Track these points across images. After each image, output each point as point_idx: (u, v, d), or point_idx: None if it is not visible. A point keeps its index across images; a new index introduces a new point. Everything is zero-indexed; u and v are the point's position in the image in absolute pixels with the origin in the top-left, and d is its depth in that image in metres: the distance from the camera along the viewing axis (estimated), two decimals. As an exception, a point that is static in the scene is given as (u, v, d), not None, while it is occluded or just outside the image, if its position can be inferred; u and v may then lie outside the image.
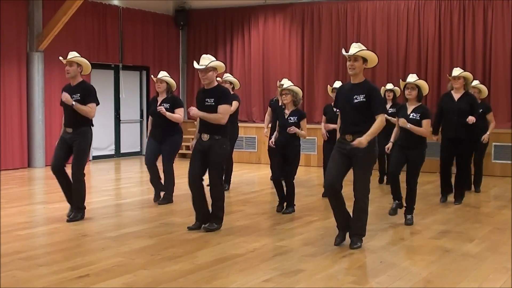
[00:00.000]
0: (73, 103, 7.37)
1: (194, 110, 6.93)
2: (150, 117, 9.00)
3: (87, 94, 7.49)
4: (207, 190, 7.10)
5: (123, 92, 15.26)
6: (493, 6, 12.95)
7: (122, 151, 15.46)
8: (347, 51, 6.22)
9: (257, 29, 15.57)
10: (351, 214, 6.44)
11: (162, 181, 8.90)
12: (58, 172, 7.59)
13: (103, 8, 14.54)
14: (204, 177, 7.09)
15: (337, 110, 8.81)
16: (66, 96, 7.41)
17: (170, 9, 16.35)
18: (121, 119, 15.38)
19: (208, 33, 16.20)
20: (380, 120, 6.13)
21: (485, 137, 9.70)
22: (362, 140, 6.02)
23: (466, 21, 13.24)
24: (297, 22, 15.02)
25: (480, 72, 13.07)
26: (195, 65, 7.00)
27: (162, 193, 8.90)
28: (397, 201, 7.70)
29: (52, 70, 13.16)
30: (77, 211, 7.63)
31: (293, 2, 15.04)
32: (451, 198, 9.13)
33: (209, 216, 7.11)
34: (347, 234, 6.43)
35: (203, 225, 7.06)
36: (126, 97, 15.39)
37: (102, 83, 14.63)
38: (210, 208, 7.14)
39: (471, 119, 8.59)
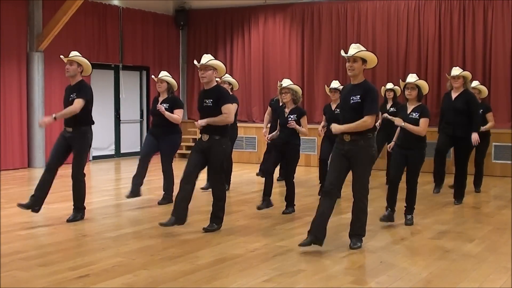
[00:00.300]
0: (54, 116, 7.36)
1: (198, 122, 6.92)
2: (151, 117, 9.06)
3: (79, 90, 7.46)
4: (198, 192, 7.07)
5: (123, 92, 15.26)
6: (493, 6, 12.95)
7: (122, 151, 15.46)
8: (346, 52, 6.22)
9: (257, 29, 15.57)
10: (348, 215, 6.44)
11: (160, 181, 8.91)
12: (50, 170, 7.52)
13: (103, 8, 14.55)
14: (198, 178, 7.04)
15: (335, 110, 8.92)
16: (45, 121, 7.50)
17: (170, 9, 16.35)
18: (121, 119, 15.38)
19: (208, 33, 16.20)
20: (363, 120, 6.10)
21: (482, 128, 9.64)
22: (337, 126, 6.22)
23: (466, 21, 13.24)
24: (297, 22, 15.02)
25: (480, 72, 13.08)
26: (196, 62, 7.01)
27: (142, 189, 8.89)
28: (389, 209, 7.57)
29: (52, 70, 13.16)
30: (77, 211, 7.62)
31: (293, 2, 15.04)
32: (451, 198, 9.12)
33: (185, 217, 6.94)
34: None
35: (203, 227, 7.04)
36: (126, 97, 15.39)
37: (102, 83, 14.65)
38: (211, 208, 7.14)
39: (474, 139, 8.66)
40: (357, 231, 6.34)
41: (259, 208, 8.35)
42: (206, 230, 7.00)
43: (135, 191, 8.72)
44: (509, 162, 12.25)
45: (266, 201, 8.37)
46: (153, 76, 9.33)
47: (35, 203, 7.50)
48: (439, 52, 13.55)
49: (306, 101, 14.63)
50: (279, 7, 15.24)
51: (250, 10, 15.64)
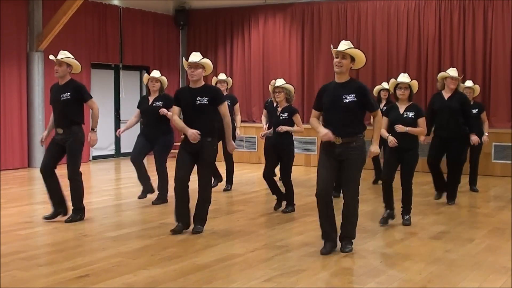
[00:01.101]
0: (93, 128, 7.47)
1: (195, 135, 6.71)
2: (137, 113, 8.93)
3: (81, 92, 7.49)
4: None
5: (123, 92, 15.26)
6: (493, 6, 12.96)
7: (122, 151, 15.44)
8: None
9: (257, 29, 15.57)
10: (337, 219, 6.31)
11: (155, 181, 8.90)
12: (47, 174, 7.52)
13: (103, 8, 14.55)
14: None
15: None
16: (94, 140, 7.51)
17: (170, 9, 16.35)
18: (121, 119, 15.36)
19: (208, 33, 16.20)
20: (380, 119, 6.13)
21: (485, 139, 9.75)
22: (375, 150, 6.11)
23: (466, 21, 13.25)
24: (297, 22, 15.03)
25: (480, 72, 13.09)
26: (188, 60, 6.84)
27: (155, 193, 8.89)
28: (389, 210, 7.46)
29: (52, 70, 12.88)
30: (76, 212, 7.60)
31: (293, 2, 15.04)
32: (444, 198, 9.08)
33: (190, 220, 6.96)
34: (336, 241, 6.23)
35: (192, 228, 6.99)
36: (126, 97, 15.38)
37: (102, 83, 14.66)
38: (191, 209, 7.01)
39: (475, 140, 8.77)
40: (348, 234, 6.21)
41: (275, 208, 8.34)
42: (194, 232, 6.92)
43: (146, 189, 8.81)
44: (509, 162, 12.24)
45: (279, 197, 8.37)
46: (146, 75, 9.14)
47: (58, 209, 7.55)
48: (439, 52, 13.55)
49: (306, 101, 14.63)
50: (279, 7, 15.24)
51: (250, 10, 15.64)
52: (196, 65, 6.82)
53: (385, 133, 7.44)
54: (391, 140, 7.34)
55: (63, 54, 7.48)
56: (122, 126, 15.04)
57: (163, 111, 8.50)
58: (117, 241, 6.62)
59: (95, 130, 7.56)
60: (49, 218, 7.54)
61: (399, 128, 7.31)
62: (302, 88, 14.86)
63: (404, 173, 7.49)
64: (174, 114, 6.93)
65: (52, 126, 7.73)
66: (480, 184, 10.45)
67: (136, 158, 8.77)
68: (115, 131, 15.18)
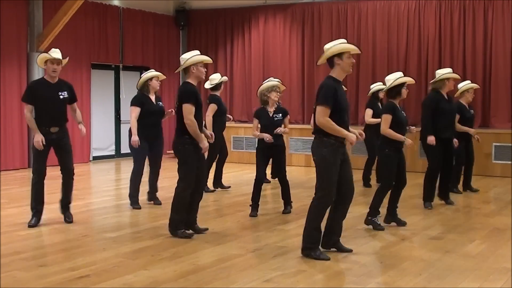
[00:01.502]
0: (80, 123, 7.58)
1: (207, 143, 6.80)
2: (138, 112, 8.38)
3: (73, 92, 7.56)
4: None
5: (123, 93, 15.25)
6: (493, 6, 12.96)
7: (123, 151, 15.42)
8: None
9: (258, 29, 15.57)
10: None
11: (146, 183, 8.91)
12: (42, 178, 7.36)
13: (104, 9, 14.55)
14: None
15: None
16: (84, 132, 7.61)
17: (170, 9, 16.36)
18: (121, 119, 15.35)
19: (208, 34, 16.20)
20: None
21: (477, 137, 9.80)
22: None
23: (466, 21, 13.25)
24: (297, 22, 15.03)
25: (480, 72, 13.09)
26: (207, 58, 6.78)
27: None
28: (379, 215, 7.35)
29: (52, 71, 13.13)
30: (69, 209, 7.57)
31: (293, 2, 15.05)
32: (451, 199, 9.06)
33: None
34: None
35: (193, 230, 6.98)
36: (126, 97, 15.32)
37: (102, 83, 14.66)
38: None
39: (457, 144, 8.93)
40: (340, 232, 6.21)
41: (252, 215, 8.06)
42: (199, 232, 6.93)
43: (136, 201, 8.64)
44: (509, 162, 12.23)
45: (256, 208, 8.16)
46: (152, 73, 8.73)
47: (40, 216, 7.41)
48: (439, 52, 13.55)
49: (307, 102, 14.62)
50: (279, 7, 15.25)
51: (250, 10, 15.64)
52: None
53: (399, 136, 7.22)
54: (411, 143, 7.25)
55: (58, 53, 7.37)
56: (125, 126, 15.20)
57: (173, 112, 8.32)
58: (118, 241, 6.63)
59: (81, 122, 7.66)
60: (34, 225, 7.30)
61: (414, 129, 7.34)
62: (302, 88, 14.86)
63: (404, 172, 7.44)
64: (192, 114, 6.52)
65: (35, 125, 7.29)
66: (480, 185, 10.46)
67: (143, 168, 8.66)
68: (116, 131, 15.25)
